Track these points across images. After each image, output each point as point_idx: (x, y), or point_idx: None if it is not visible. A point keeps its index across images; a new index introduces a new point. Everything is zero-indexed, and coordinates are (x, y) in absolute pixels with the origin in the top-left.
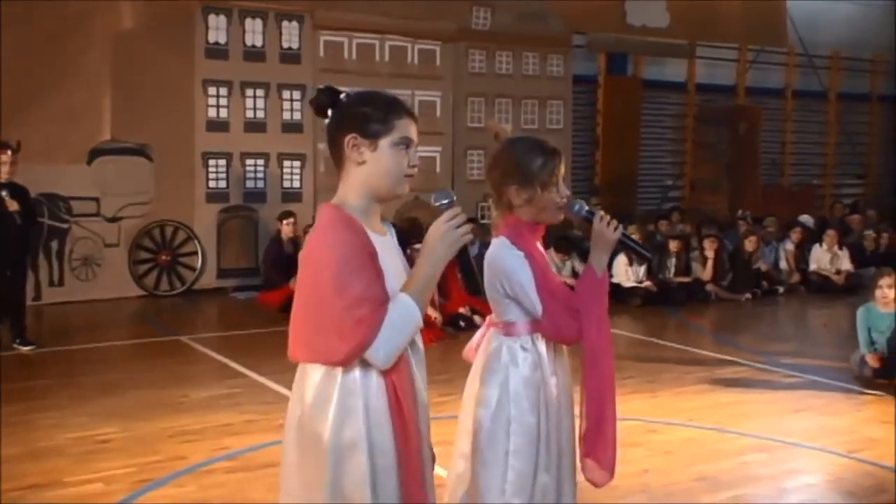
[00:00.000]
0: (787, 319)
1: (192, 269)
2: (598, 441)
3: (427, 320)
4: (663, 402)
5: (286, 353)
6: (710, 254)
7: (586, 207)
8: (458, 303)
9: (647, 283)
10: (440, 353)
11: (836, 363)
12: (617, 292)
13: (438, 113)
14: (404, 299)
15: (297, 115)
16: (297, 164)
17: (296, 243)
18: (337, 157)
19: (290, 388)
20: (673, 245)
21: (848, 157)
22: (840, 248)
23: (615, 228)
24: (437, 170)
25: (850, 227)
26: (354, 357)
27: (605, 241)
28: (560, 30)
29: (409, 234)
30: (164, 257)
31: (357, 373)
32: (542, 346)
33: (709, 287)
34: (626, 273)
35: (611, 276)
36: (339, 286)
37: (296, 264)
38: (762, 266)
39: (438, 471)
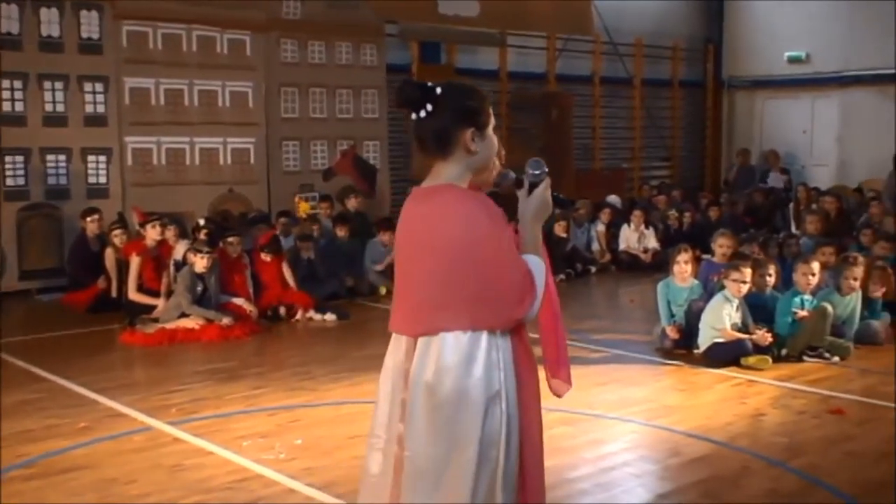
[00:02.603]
0: (598, 298)
1: None
2: (560, 362)
3: (242, 313)
4: None
5: (93, 353)
6: None
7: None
8: (274, 296)
9: None
10: (256, 346)
11: (641, 337)
12: None
13: (251, 103)
14: (535, 260)
15: (100, 108)
16: (102, 158)
17: (102, 240)
18: (445, 148)
19: (96, 389)
20: None
21: (654, 140)
22: (647, 228)
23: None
24: (252, 161)
25: (656, 207)
26: (524, 317)
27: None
28: (372, 19)
29: (222, 227)
30: None
31: (497, 334)
32: None
33: None
34: None
35: None
36: (507, 258)
37: (102, 263)
38: (574, 246)
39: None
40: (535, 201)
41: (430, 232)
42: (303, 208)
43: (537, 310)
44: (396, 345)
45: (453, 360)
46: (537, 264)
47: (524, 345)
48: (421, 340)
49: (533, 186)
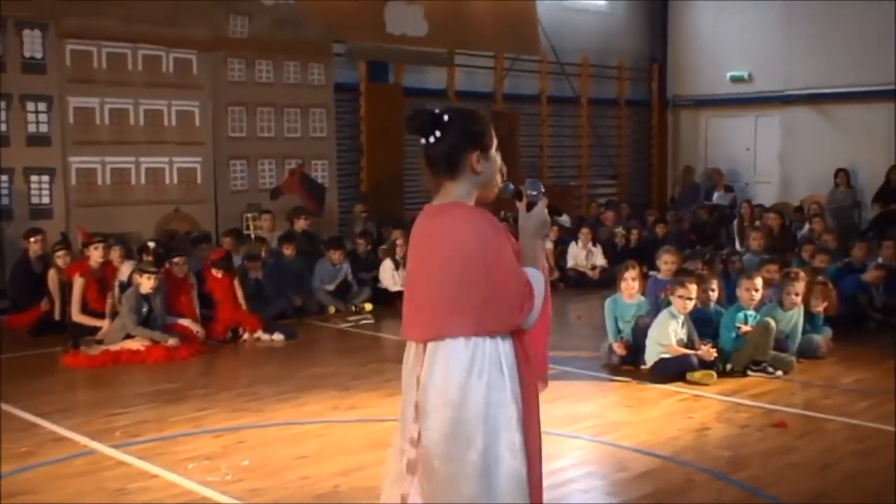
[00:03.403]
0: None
1: None
2: (540, 361)
3: (188, 334)
4: None
5: (35, 376)
6: None
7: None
8: (228, 318)
9: None
10: (202, 367)
11: (589, 353)
12: (384, 296)
13: (198, 122)
14: (534, 272)
15: (43, 128)
16: (45, 178)
17: (45, 261)
18: (453, 170)
19: (38, 412)
20: None
21: (601, 158)
22: (594, 245)
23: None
24: (199, 181)
25: (604, 224)
26: (523, 323)
27: (545, 223)
28: (320, 38)
29: (168, 247)
30: None
31: (498, 338)
32: None
33: None
34: (393, 277)
35: (377, 280)
36: (510, 269)
37: (45, 284)
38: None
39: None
40: (534, 219)
41: (440, 245)
42: (255, 227)
43: (535, 318)
44: (407, 352)
45: (460, 363)
46: (536, 276)
47: (524, 350)
48: (430, 346)
49: (531, 205)
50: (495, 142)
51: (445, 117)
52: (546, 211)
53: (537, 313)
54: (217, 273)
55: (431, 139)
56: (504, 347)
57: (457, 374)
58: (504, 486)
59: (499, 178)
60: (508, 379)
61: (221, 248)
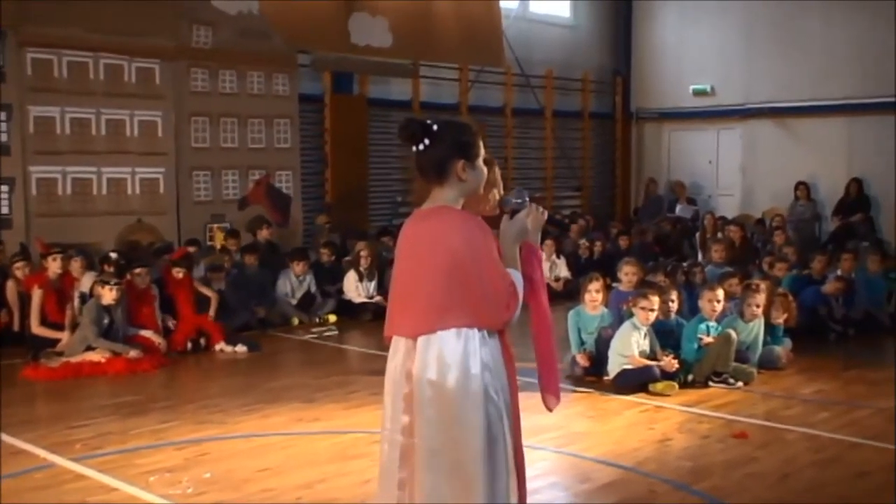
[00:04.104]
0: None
1: None
2: (552, 377)
3: (150, 346)
4: None
5: None
6: None
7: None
8: (189, 327)
9: (378, 298)
10: (164, 379)
11: None
12: (348, 308)
13: (160, 133)
14: (517, 273)
15: (3, 137)
16: (4, 188)
17: (3, 272)
18: (441, 176)
19: None
20: None
21: (565, 170)
22: (558, 257)
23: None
24: (161, 191)
25: (567, 236)
26: (510, 319)
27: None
28: (284, 49)
29: (129, 259)
30: None
31: (485, 332)
32: None
33: None
34: (357, 289)
35: (341, 292)
36: (498, 269)
37: (3, 295)
38: None
39: None
40: (517, 225)
41: (432, 244)
42: (219, 238)
43: (517, 315)
44: (395, 348)
45: (453, 357)
46: (518, 277)
47: (507, 346)
48: (421, 340)
49: (514, 212)
50: (482, 153)
51: (435, 127)
52: (530, 218)
53: (519, 310)
54: (178, 273)
55: (421, 147)
56: (491, 343)
57: (452, 364)
58: (500, 467)
59: (496, 193)
60: (497, 371)
61: (181, 248)
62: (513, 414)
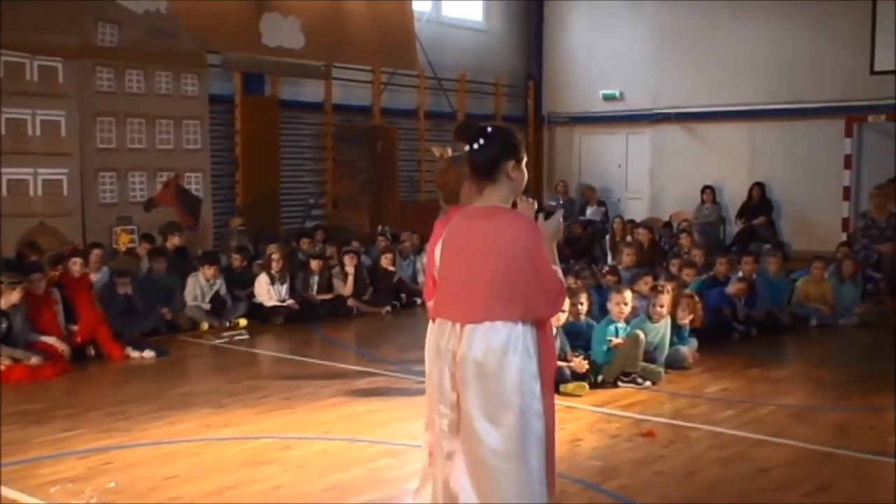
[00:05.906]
0: (423, 330)
1: None
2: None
3: (53, 352)
4: (299, 418)
5: None
6: (349, 269)
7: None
8: (87, 324)
9: (290, 302)
10: (67, 386)
11: None
12: (259, 311)
13: (64, 133)
14: (560, 272)
15: None
16: None
17: None
18: (492, 175)
19: None
20: (314, 264)
21: None
22: None
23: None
24: (65, 193)
25: None
26: (556, 313)
27: (560, 230)
28: (193, 48)
29: (30, 262)
30: None
31: (529, 325)
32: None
33: (350, 302)
34: (269, 292)
35: (254, 296)
36: (550, 267)
37: None
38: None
39: None
40: (552, 225)
41: (494, 241)
42: (123, 240)
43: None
44: (441, 329)
45: (497, 343)
46: (560, 272)
47: (548, 338)
48: (468, 326)
49: (549, 214)
50: (525, 156)
51: (489, 129)
52: (561, 220)
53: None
54: (73, 265)
55: (476, 146)
56: (531, 333)
57: (495, 350)
58: (533, 445)
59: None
60: (534, 359)
61: (73, 245)
62: (547, 394)
